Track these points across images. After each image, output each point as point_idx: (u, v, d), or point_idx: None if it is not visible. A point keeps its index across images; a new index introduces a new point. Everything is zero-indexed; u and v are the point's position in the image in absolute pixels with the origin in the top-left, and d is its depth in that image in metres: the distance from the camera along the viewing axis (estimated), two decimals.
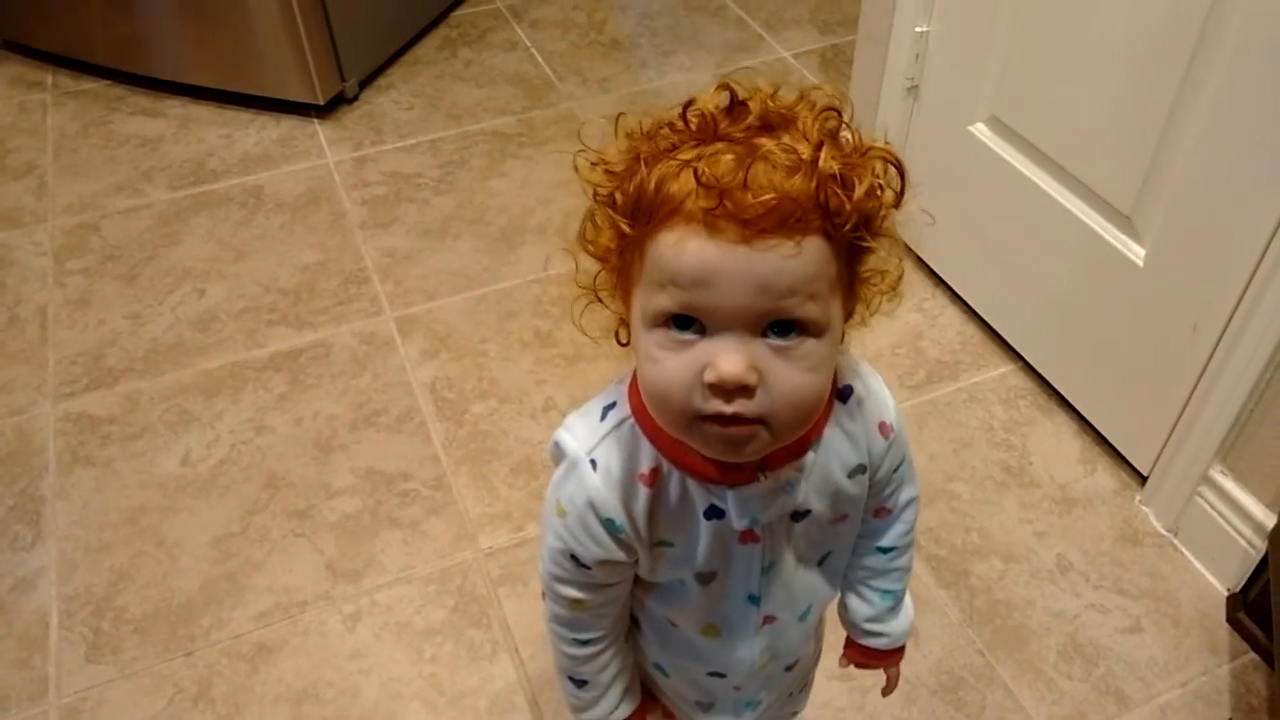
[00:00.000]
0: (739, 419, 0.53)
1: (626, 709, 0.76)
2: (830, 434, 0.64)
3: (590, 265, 0.60)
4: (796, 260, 0.51)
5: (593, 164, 0.57)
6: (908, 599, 0.79)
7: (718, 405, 0.53)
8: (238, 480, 1.40)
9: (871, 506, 0.72)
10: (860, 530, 0.74)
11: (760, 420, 0.54)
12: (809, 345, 0.54)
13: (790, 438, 0.57)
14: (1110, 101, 1.25)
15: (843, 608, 0.80)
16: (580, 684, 0.74)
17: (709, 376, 0.52)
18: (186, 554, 1.32)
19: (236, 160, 1.95)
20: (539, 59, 2.23)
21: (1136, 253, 1.28)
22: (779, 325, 0.53)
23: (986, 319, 1.61)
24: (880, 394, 0.68)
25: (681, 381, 0.54)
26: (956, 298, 1.65)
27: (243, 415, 1.49)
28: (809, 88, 0.57)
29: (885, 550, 0.75)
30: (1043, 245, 1.42)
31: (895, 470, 0.71)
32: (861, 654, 0.82)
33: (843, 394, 0.65)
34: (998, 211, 1.49)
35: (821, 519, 0.67)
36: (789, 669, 0.79)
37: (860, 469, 0.67)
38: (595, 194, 0.57)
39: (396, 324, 1.63)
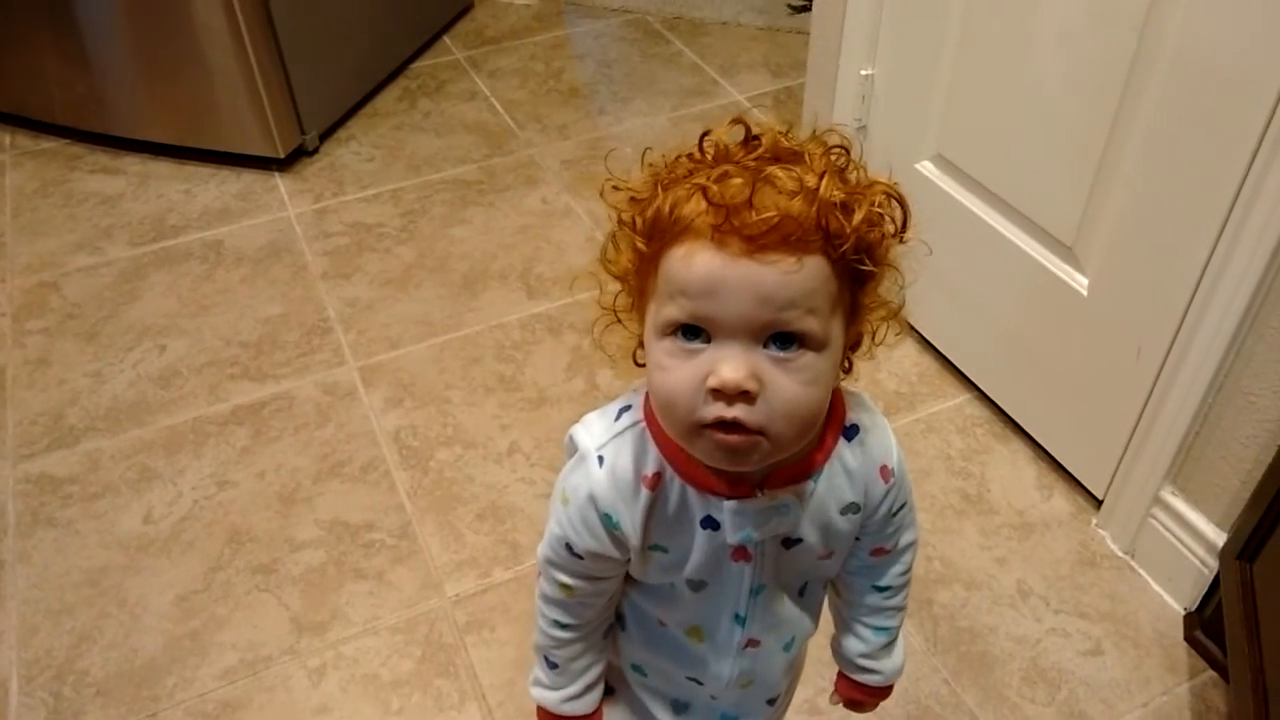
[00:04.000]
0: (739, 426, 0.56)
1: (583, 707, 0.78)
2: (831, 468, 0.66)
3: (613, 290, 0.64)
4: (797, 275, 0.54)
5: (616, 188, 0.60)
6: (900, 638, 0.80)
7: (719, 409, 0.56)
8: (200, 537, 1.39)
9: (870, 546, 0.73)
10: (857, 569, 0.75)
11: (760, 431, 0.56)
12: (808, 358, 0.56)
13: (789, 450, 0.59)
14: (1048, 138, 1.29)
15: (837, 643, 0.81)
16: (552, 665, 0.76)
17: (712, 382, 0.55)
18: (149, 613, 1.30)
19: (196, 215, 1.96)
20: (498, 107, 2.27)
21: (1080, 282, 1.32)
22: (780, 337, 0.56)
23: (941, 350, 1.64)
24: (885, 437, 0.69)
25: (687, 388, 0.56)
26: (911, 330, 1.68)
27: (205, 471, 1.48)
28: (822, 129, 0.60)
29: (882, 589, 0.77)
30: (991, 277, 1.46)
31: (895, 514, 0.72)
32: (853, 689, 0.82)
33: (848, 432, 0.67)
34: (947, 246, 1.51)
35: (811, 550, 0.69)
36: (770, 702, 0.80)
37: (854, 507, 0.68)
38: (618, 218, 0.60)
39: (360, 373, 1.64)
